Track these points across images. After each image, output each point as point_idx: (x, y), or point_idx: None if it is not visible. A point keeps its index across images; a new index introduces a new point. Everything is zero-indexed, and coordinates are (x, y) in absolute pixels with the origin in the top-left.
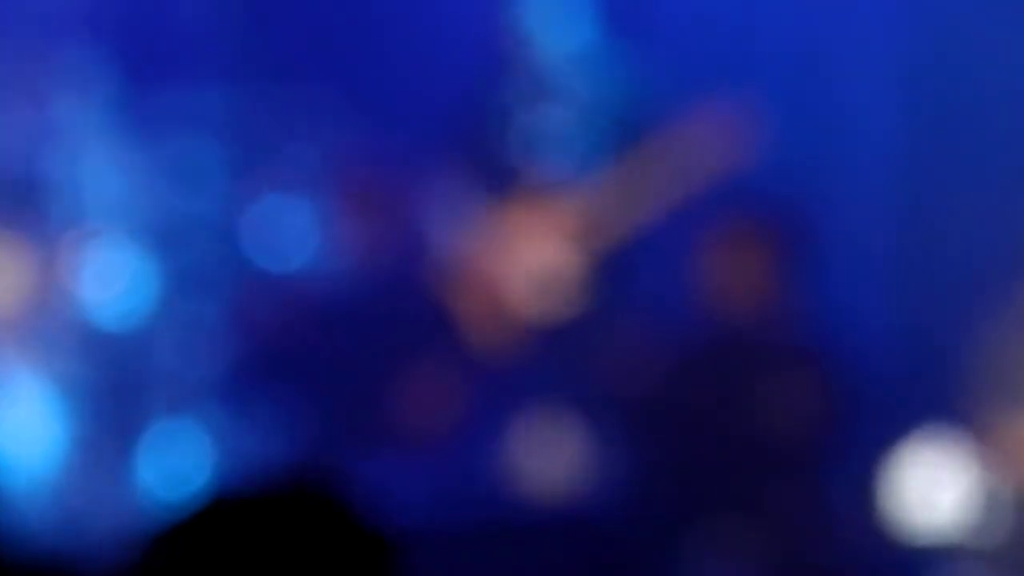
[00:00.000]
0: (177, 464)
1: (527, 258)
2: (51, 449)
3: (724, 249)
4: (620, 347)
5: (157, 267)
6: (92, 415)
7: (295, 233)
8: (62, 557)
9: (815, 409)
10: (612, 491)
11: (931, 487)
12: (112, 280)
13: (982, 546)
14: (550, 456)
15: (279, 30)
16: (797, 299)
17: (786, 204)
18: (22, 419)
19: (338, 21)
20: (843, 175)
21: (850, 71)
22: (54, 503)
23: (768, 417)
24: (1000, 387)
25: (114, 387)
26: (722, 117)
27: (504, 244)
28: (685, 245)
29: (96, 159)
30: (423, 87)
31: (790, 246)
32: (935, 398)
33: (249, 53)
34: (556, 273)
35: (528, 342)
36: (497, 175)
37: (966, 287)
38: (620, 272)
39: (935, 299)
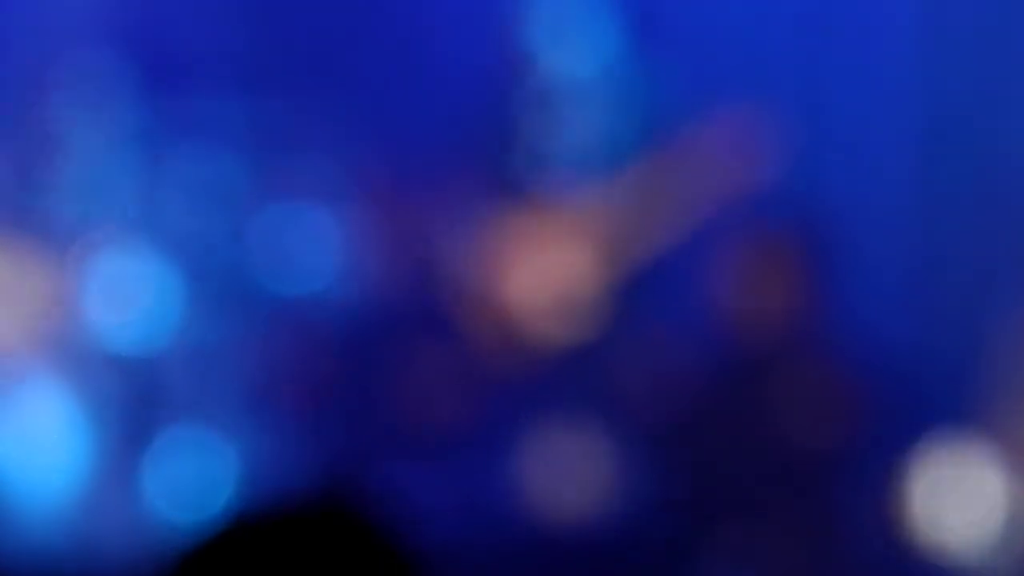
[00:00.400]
0: (198, 484)
1: (543, 272)
2: (68, 469)
3: (746, 263)
4: (639, 362)
5: (176, 280)
6: (110, 433)
7: (315, 243)
8: None
9: (837, 424)
10: (633, 507)
11: (954, 500)
12: (130, 294)
13: (1005, 559)
14: (571, 472)
15: (293, 40)
16: (818, 313)
17: (807, 217)
18: (38, 438)
19: (353, 30)
20: (860, 186)
21: (868, 82)
22: (71, 526)
23: (789, 433)
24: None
25: (133, 404)
26: (738, 126)
27: (520, 257)
28: (704, 258)
29: (115, 170)
30: (438, 97)
31: (813, 260)
32: (957, 410)
33: (264, 63)
34: (573, 287)
35: (546, 357)
36: (512, 186)
37: (986, 296)
38: (639, 286)
39: (955, 309)
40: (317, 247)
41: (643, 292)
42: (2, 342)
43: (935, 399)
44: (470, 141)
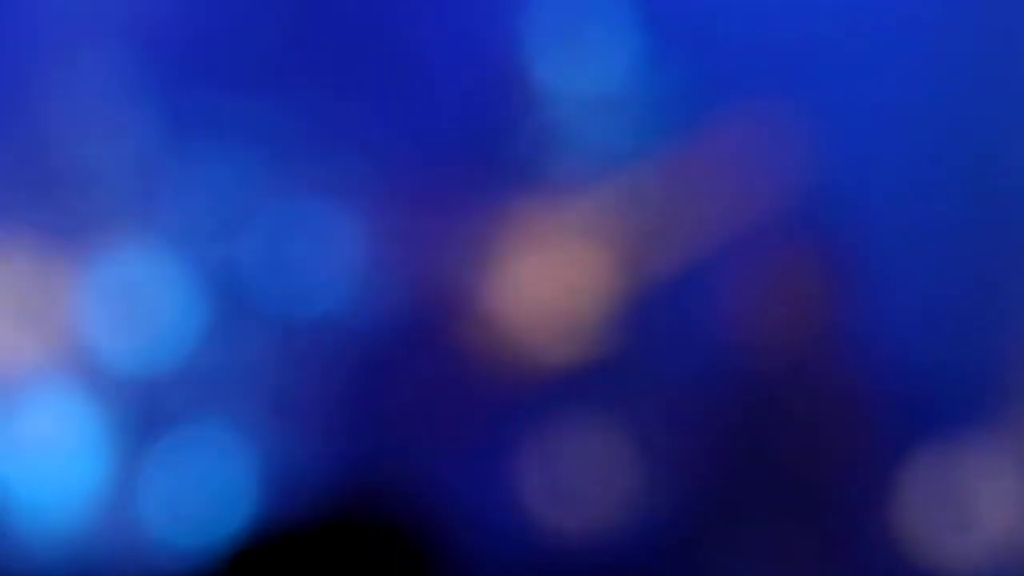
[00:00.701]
0: (217, 497)
1: (556, 282)
2: (82, 484)
3: (764, 271)
4: (656, 372)
5: (195, 285)
6: (125, 447)
7: (336, 246)
8: None
9: (852, 434)
10: (648, 517)
11: (966, 511)
12: (147, 300)
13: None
14: (587, 481)
15: (315, 37)
16: (837, 321)
17: (826, 223)
18: (48, 452)
19: (370, 29)
20: (879, 192)
21: (890, 88)
22: (86, 544)
23: (807, 444)
24: None
25: (149, 416)
26: (754, 128)
27: (530, 265)
28: (720, 266)
29: (134, 171)
30: (444, 97)
31: (832, 267)
32: (971, 421)
33: (285, 60)
34: (587, 297)
35: (560, 368)
36: (522, 190)
37: (1003, 304)
38: (655, 295)
39: (973, 318)
40: (338, 249)
41: (659, 302)
42: (13, 352)
43: (951, 409)
44: (477, 142)
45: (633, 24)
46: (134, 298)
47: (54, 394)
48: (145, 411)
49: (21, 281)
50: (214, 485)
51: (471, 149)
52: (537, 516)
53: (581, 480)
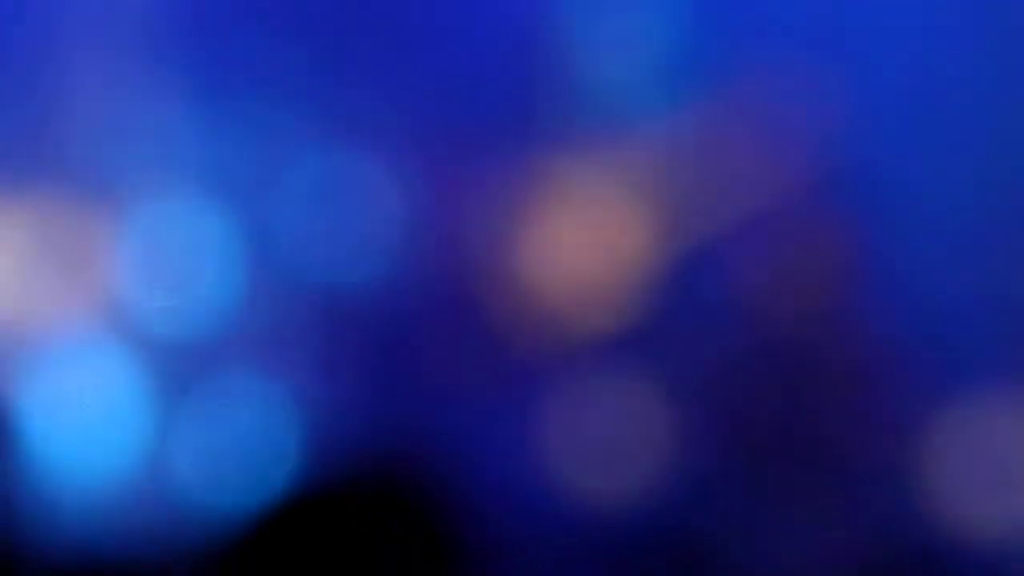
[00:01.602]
0: (259, 456)
1: (587, 244)
2: (119, 448)
3: (793, 240)
4: (688, 339)
5: (235, 238)
6: (161, 407)
7: (371, 204)
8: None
9: (884, 396)
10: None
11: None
12: (186, 253)
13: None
14: (622, 450)
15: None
16: (864, 283)
17: (856, 188)
18: (84, 412)
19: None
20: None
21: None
22: (120, 507)
23: (842, 411)
24: None
25: (188, 372)
26: (780, 87)
27: (562, 228)
28: (750, 231)
29: (171, 119)
30: (473, 58)
31: (862, 233)
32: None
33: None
34: (619, 260)
35: (590, 336)
36: (558, 145)
37: None
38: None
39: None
40: (371, 208)
41: (691, 264)
42: (51, 308)
43: (982, 366)
44: (511, 97)
45: None
46: (173, 254)
47: (91, 354)
48: (182, 370)
49: (58, 237)
50: (252, 447)
51: (504, 105)
52: (569, 483)
53: (612, 447)
